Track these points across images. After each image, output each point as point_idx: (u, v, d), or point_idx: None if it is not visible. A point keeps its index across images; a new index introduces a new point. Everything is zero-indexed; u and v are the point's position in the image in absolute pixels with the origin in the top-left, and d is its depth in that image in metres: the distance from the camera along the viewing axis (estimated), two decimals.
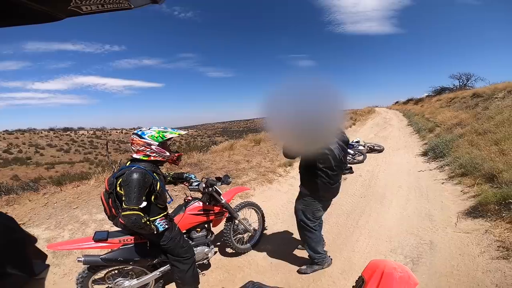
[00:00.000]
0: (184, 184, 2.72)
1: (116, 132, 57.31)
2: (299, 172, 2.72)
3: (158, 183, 2.03)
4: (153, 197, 2.02)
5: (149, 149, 2.05)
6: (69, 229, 3.50)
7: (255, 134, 10.56)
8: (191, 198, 2.70)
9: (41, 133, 47.71)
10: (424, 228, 3.42)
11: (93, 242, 2.10)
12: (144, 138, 2.06)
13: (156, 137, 2.08)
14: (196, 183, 2.67)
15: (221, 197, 2.75)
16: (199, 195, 2.79)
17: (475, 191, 4.08)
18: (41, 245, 3.16)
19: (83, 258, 2.03)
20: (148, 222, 1.91)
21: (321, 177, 2.45)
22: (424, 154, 7.51)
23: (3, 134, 43.18)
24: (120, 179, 1.94)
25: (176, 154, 2.25)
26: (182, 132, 2.27)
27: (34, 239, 0.59)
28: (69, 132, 51.57)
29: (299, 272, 2.73)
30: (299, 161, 2.64)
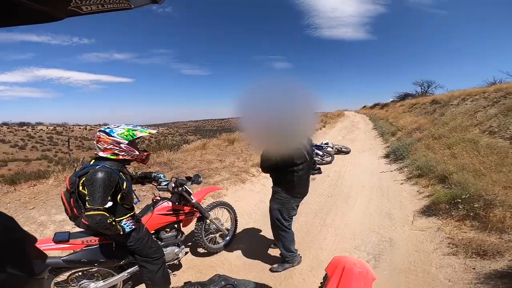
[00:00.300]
0: (153, 184, 2.65)
1: (79, 128, 53.74)
2: (269, 173, 2.78)
3: (125, 183, 1.97)
4: (119, 197, 1.96)
5: (117, 148, 1.98)
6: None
7: (229, 133, 10.55)
8: (159, 198, 2.64)
9: None
10: (385, 226, 3.65)
11: (53, 244, 1.99)
12: (113, 136, 1.98)
13: (126, 135, 2.01)
14: (165, 183, 2.61)
15: (192, 196, 2.72)
16: (168, 195, 2.74)
17: (429, 191, 4.43)
18: None
19: None
20: (114, 223, 1.84)
21: (297, 172, 2.53)
22: (387, 156, 8.02)
23: None
24: (84, 178, 1.85)
25: (145, 153, 2.19)
26: (153, 131, 2.21)
27: (34, 239, 0.58)
28: (25, 127, 47.33)
29: (271, 270, 2.79)
30: (265, 163, 2.66)
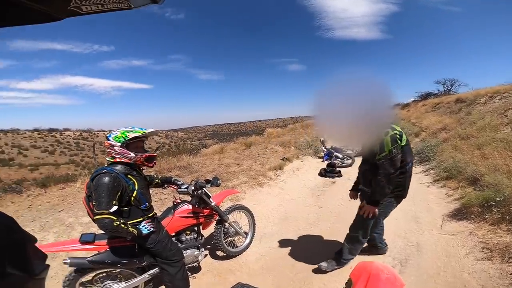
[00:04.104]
0: (173, 187, 2.70)
1: (103, 133, 55.98)
2: (366, 175, 2.55)
3: (131, 186, 1.98)
4: (132, 199, 1.99)
5: (113, 151, 2.00)
6: (54, 232, 3.40)
7: (246, 137, 10.57)
8: (180, 201, 2.68)
9: (25, 133, 46.10)
10: (411, 230, 3.49)
11: (80, 244, 2.06)
12: (109, 140, 2.02)
13: (119, 138, 2.01)
14: (185, 186, 2.66)
15: (211, 199, 2.74)
16: (188, 198, 2.78)
17: (459, 194, 4.20)
18: None
19: (69, 260, 1.99)
20: (123, 225, 1.84)
21: (407, 172, 2.37)
22: None
23: None
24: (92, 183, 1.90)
25: (144, 155, 2.08)
26: (147, 130, 2.09)
27: (34, 239, 0.59)
28: (54, 133, 50.06)
29: (319, 268, 2.72)
30: (365, 164, 2.50)
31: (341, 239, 3.44)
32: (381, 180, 2.24)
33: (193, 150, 8.35)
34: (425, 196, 4.65)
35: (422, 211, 4.03)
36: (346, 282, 1.26)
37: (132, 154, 2.02)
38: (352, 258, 2.71)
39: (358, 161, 8.10)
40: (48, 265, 0.59)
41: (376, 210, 2.41)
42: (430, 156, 6.74)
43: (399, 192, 2.42)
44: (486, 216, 3.23)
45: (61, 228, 3.48)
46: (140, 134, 2.05)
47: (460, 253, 2.86)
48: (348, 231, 2.73)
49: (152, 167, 2.22)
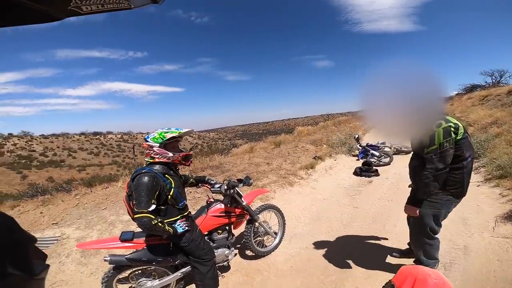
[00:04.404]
0: (206, 187, 2.75)
1: (142, 135, 59.57)
2: (416, 171, 2.27)
3: (168, 185, 2.04)
4: (169, 198, 2.04)
5: (152, 151, 2.08)
6: (97, 229, 3.66)
7: (275, 136, 10.51)
8: (213, 200, 2.72)
9: (74, 137, 50.88)
10: (458, 232, 3.19)
11: (120, 242, 2.16)
12: (147, 141, 2.10)
13: (157, 138, 2.08)
14: (218, 185, 2.70)
15: (242, 199, 2.74)
16: (221, 197, 2.80)
17: None
18: (71, 244, 3.34)
19: (109, 258, 2.10)
20: (160, 224, 1.90)
21: (465, 168, 2.11)
22: None
23: (39, 138, 46.56)
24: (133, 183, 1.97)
25: (181, 154, 2.16)
26: (183, 130, 2.16)
27: (34, 239, 0.60)
28: (98, 136, 54.48)
29: None
30: (416, 160, 2.23)
31: (379, 241, 3.26)
32: (427, 176, 2.01)
33: (224, 150, 8.52)
34: (474, 196, 4.21)
35: (471, 212, 3.66)
36: (384, 286, 1.20)
37: (170, 154, 2.10)
38: (436, 259, 2.45)
39: (397, 159, 7.61)
40: (48, 265, 0.60)
41: (418, 211, 2.19)
42: (480, 153, 6.11)
43: (457, 189, 2.14)
44: None
45: (103, 225, 3.73)
46: (177, 134, 2.12)
47: None
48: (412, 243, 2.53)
49: (189, 165, 2.29)
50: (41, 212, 4.15)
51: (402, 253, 2.85)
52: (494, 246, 2.82)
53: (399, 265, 2.42)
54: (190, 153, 2.26)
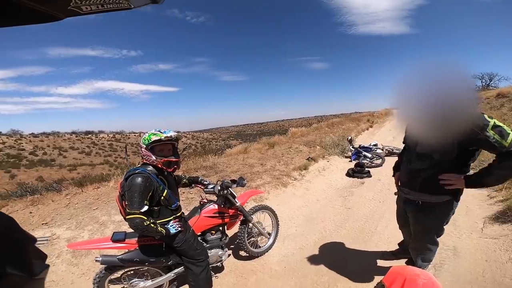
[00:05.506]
0: (200, 187, 2.74)
1: (134, 135, 59.01)
2: (420, 176, 2.04)
3: (162, 187, 2.03)
4: (162, 199, 2.03)
5: (141, 152, 2.07)
6: (88, 229, 3.60)
7: (269, 137, 10.53)
8: (206, 201, 2.72)
9: (64, 136, 50.06)
10: (448, 233, 3.25)
11: (111, 243, 2.14)
12: (140, 141, 2.08)
13: (145, 140, 2.03)
14: (212, 186, 2.70)
15: (236, 200, 2.75)
16: (214, 198, 2.80)
17: (503, 196, 3.86)
18: (61, 244, 3.28)
19: (100, 258, 2.08)
20: (153, 225, 1.89)
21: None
22: None
23: (29, 137, 45.69)
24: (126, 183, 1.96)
25: (162, 159, 2.05)
26: (168, 134, 2.06)
27: (33, 239, 0.60)
28: (90, 135, 53.73)
29: None
30: (422, 162, 2.01)
31: (368, 240, 3.30)
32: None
33: (218, 150, 8.48)
34: (463, 197, 4.24)
35: (460, 213, 3.74)
36: (375, 286, 1.22)
37: (153, 157, 2.03)
38: (430, 261, 2.38)
39: (389, 160, 7.71)
40: (48, 265, 0.59)
41: (439, 222, 2.09)
42: None
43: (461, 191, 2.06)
44: None
45: (95, 226, 3.67)
46: (160, 137, 2.02)
47: (503, 257, 2.64)
48: (410, 246, 2.43)
49: (172, 171, 2.19)
50: (30, 212, 4.07)
51: (393, 254, 2.88)
52: (482, 247, 2.88)
53: (390, 266, 2.46)
54: (174, 159, 2.12)
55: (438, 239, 2.29)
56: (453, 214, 2.14)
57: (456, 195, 2.04)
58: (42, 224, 3.72)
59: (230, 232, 3.01)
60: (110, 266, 2.14)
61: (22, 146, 40.83)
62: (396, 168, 2.54)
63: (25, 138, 44.72)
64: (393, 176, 2.58)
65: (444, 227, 2.20)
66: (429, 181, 1.97)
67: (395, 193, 2.48)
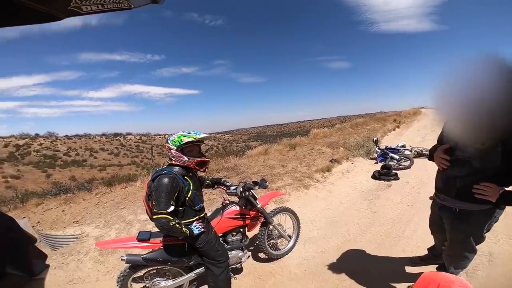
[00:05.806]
0: (222, 188, 2.75)
1: (160, 137, 61.10)
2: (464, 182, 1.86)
3: (187, 188, 2.06)
4: (187, 200, 2.06)
5: (170, 154, 2.10)
6: (116, 228, 3.75)
7: (290, 138, 10.41)
8: (228, 202, 2.72)
9: (95, 138, 53.05)
10: None
11: (137, 242, 2.20)
12: (168, 143, 2.12)
13: (175, 142, 2.08)
14: (234, 187, 2.70)
15: (257, 201, 2.73)
16: (236, 199, 2.80)
17: None
18: (90, 242, 3.44)
19: (126, 257, 2.13)
20: (178, 225, 1.92)
21: None
22: None
23: (63, 139, 48.94)
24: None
25: (196, 160, 2.13)
26: (200, 136, 2.12)
27: (34, 239, 0.60)
28: (118, 137, 56.43)
29: None
30: (462, 168, 1.85)
31: (395, 245, 3.13)
32: None
33: (239, 152, 8.53)
34: None
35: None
36: None
37: (186, 158, 2.09)
38: (461, 270, 2.22)
39: (418, 162, 7.31)
40: (48, 265, 0.59)
41: (483, 232, 1.92)
42: None
43: None
44: None
45: (121, 224, 3.82)
46: (192, 139, 2.09)
47: None
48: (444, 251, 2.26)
49: (204, 171, 2.27)
50: (63, 210, 4.32)
51: (422, 259, 2.71)
52: None
53: (419, 272, 2.30)
54: (206, 159, 2.22)
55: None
56: (496, 221, 1.93)
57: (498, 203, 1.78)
58: (73, 222, 3.93)
59: (250, 234, 3.00)
60: (134, 265, 2.20)
61: (57, 147, 43.78)
62: (433, 151, 2.24)
63: (60, 139, 47.92)
64: (428, 159, 2.32)
65: (485, 234, 1.99)
66: (466, 189, 1.80)
67: (430, 198, 2.34)
